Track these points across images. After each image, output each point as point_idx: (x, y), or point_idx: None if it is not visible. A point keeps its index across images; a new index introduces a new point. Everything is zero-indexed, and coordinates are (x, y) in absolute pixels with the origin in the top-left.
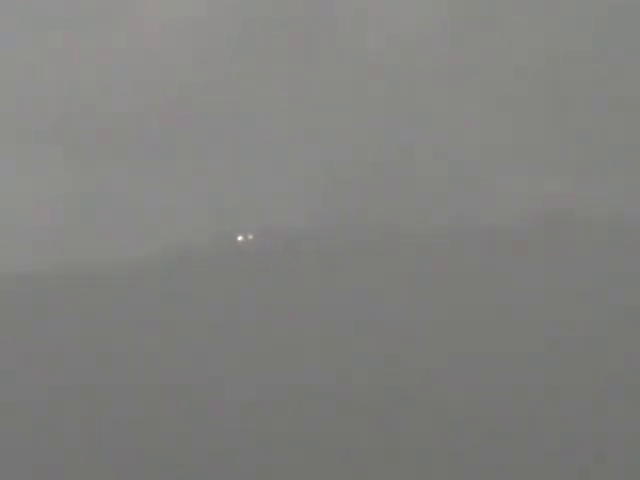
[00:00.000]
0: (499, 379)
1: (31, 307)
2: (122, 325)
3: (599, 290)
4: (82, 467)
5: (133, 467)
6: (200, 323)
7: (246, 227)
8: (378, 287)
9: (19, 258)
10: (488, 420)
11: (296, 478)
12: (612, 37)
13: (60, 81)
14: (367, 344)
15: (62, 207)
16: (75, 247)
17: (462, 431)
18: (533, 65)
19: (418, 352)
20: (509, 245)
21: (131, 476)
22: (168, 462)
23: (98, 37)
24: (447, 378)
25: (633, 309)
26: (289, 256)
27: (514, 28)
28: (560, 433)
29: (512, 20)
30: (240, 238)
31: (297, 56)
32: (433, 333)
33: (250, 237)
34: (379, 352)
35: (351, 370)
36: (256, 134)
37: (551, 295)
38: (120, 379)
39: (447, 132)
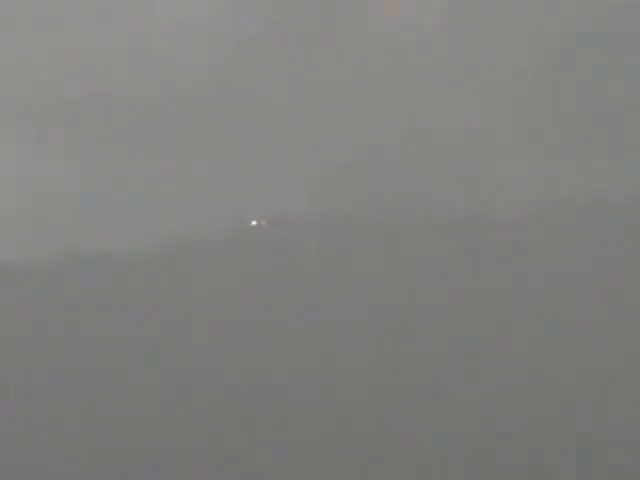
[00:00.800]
0: (505, 369)
1: (33, 295)
2: (126, 313)
3: (601, 278)
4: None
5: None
6: (204, 313)
7: (252, 216)
8: (381, 272)
9: (21, 247)
10: (487, 413)
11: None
12: (612, 27)
13: (63, 76)
14: (371, 331)
15: (69, 199)
16: (80, 238)
17: (462, 428)
18: (533, 54)
19: (419, 338)
20: (511, 233)
21: (131, 470)
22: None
23: (99, 37)
24: (449, 366)
25: (634, 297)
26: (295, 243)
27: (514, 18)
28: (559, 432)
29: (511, 10)
30: (254, 223)
31: (300, 52)
32: (434, 319)
33: (259, 224)
34: (382, 339)
35: (356, 360)
36: (261, 127)
37: (552, 283)
38: (125, 367)
39: (448, 123)
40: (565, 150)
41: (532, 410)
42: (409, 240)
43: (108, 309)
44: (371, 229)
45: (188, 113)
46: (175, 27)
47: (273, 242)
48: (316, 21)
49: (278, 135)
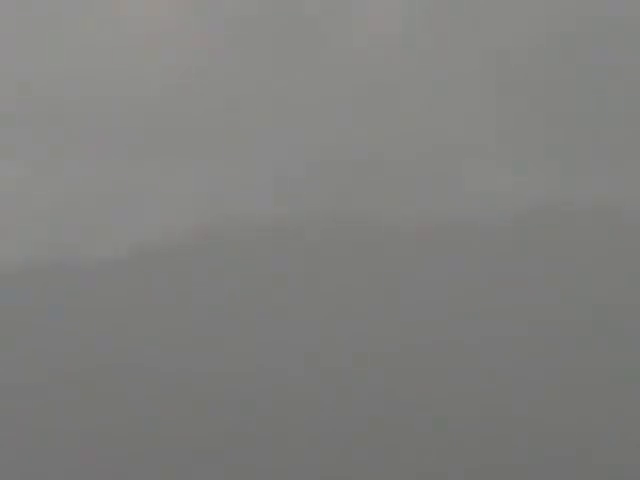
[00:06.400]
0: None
1: (23, 302)
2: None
3: (582, 280)
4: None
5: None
6: (183, 313)
7: (228, 217)
8: (352, 274)
9: (4, 252)
10: (484, 417)
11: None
12: (598, 27)
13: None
14: (343, 336)
15: (36, 201)
16: (47, 241)
17: (460, 429)
18: (517, 58)
19: (397, 338)
20: (496, 238)
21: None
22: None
23: (96, 38)
24: (434, 363)
25: (614, 303)
26: (261, 243)
27: (498, 17)
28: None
29: (496, 9)
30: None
31: (283, 55)
32: (409, 321)
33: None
34: (356, 344)
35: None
36: (228, 128)
37: (536, 286)
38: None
39: (429, 126)
40: (548, 157)
41: (522, 411)
42: (382, 243)
43: (77, 312)
44: (340, 231)
45: (154, 114)
46: (171, 28)
47: (239, 243)
48: (288, 20)
49: (246, 135)
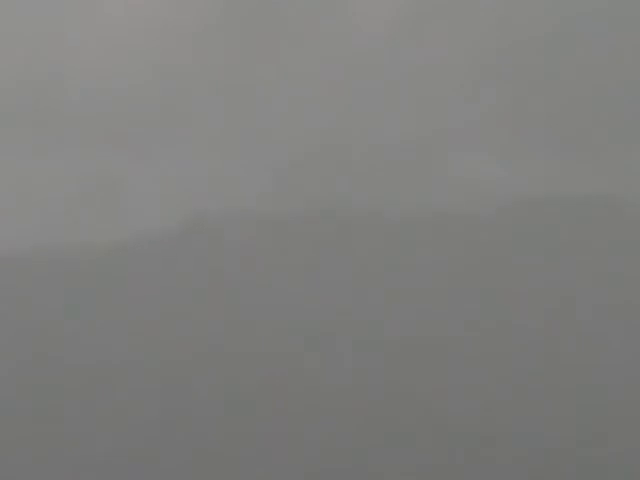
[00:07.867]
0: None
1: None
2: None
3: (564, 271)
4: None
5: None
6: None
7: (216, 211)
8: (334, 269)
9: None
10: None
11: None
12: (573, 25)
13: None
14: (333, 333)
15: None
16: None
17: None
18: (499, 55)
19: (392, 341)
20: (479, 230)
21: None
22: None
23: (97, 38)
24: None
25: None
26: (245, 239)
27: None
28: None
29: (495, 9)
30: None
31: (283, 55)
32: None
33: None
34: (350, 341)
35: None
36: (212, 126)
37: (517, 278)
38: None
39: (432, 125)
40: (530, 150)
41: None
42: (367, 238)
43: (76, 309)
44: (324, 227)
45: (155, 115)
46: (167, 28)
47: (239, 242)
48: (289, 20)
49: (246, 135)
